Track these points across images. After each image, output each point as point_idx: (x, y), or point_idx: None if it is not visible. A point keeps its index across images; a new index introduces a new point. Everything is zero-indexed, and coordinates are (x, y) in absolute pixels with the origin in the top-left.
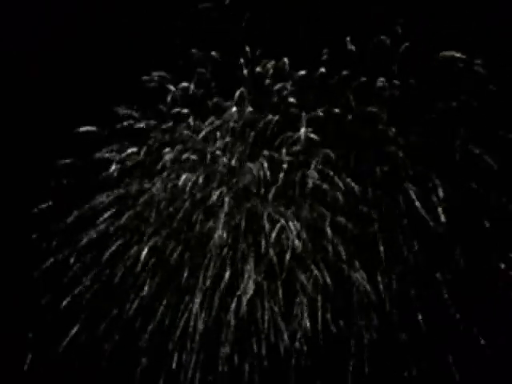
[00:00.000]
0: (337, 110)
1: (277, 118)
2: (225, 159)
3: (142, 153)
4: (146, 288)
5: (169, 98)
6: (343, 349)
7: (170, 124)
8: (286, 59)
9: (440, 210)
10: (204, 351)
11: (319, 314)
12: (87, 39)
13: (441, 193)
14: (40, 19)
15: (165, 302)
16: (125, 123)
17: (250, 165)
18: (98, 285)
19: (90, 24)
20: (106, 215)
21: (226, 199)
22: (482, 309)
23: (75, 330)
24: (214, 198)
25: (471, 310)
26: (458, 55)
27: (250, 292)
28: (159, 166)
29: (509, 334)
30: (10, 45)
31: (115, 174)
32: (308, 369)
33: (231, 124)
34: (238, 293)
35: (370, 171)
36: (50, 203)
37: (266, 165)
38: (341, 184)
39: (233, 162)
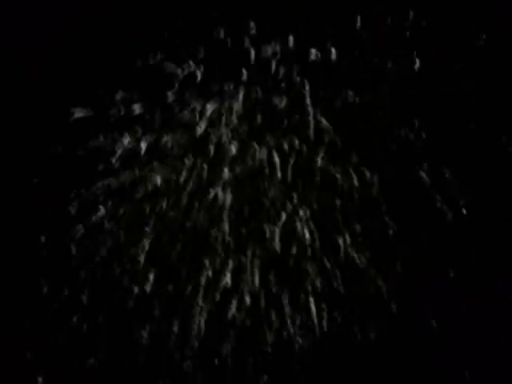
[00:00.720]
0: (348, 93)
1: (284, 101)
2: (230, 144)
3: (141, 139)
4: (149, 279)
5: (176, 83)
6: (348, 340)
7: (171, 108)
8: (292, 38)
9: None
10: (206, 344)
11: (325, 304)
12: (87, 39)
13: (455, 182)
14: (40, 19)
15: (167, 294)
16: (122, 108)
17: (256, 149)
18: (98, 276)
19: (90, 24)
20: (104, 206)
21: (230, 185)
22: (481, 308)
23: (75, 319)
24: (219, 184)
25: (471, 309)
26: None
27: (256, 283)
28: (161, 153)
29: (509, 334)
30: (10, 45)
31: (117, 165)
32: (312, 360)
33: (236, 107)
34: (242, 283)
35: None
36: (43, 191)
37: (272, 149)
38: (351, 170)
39: (238, 147)
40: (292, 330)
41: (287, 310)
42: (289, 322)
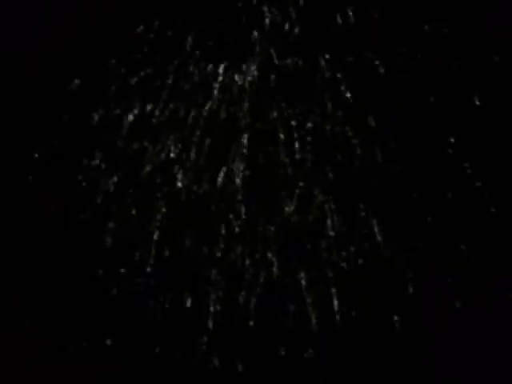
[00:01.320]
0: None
1: (296, 62)
2: (242, 111)
3: (146, 110)
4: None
5: (188, 44)
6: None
7: (174, 78)
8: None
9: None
10: (220, 324)
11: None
12: (87, 39)
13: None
14: (40, 19)
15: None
16: (117, 80)
17: (269, 115)
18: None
19: (90, 24)
20: (111, 181)
21: (243, 155)
22: (479, 307)
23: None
24: (232, 155)
25: (469, 308)
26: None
27: (271, 260)
28: (167, 125)
29: (506, 333)
30: (10, 45)
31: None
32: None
33: (247, 72)
34: (257, 260)
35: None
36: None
37: (286, 115)
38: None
39: (250, 115)
40: (309, 311)
41: (304, 288)
42: (307, 301)
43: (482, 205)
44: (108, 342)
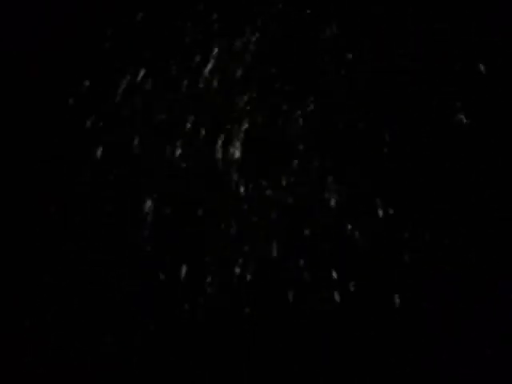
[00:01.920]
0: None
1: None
2: (241, 93)
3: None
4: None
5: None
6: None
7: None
8: None
9: None
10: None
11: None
12: (87, 39)
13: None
14: (40, 19)
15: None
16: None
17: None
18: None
19: (90, 24)
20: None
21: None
22: (481, 308)
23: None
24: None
25: (471, 309)
26: None
27: (269, 240)
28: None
29: (509, 334)
30: (10, 45)
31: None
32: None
33: (248, 50)
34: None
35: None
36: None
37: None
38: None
39: (249, 96)
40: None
41: (304, 269)
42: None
43: (484, 205)
44: (108, 341)
